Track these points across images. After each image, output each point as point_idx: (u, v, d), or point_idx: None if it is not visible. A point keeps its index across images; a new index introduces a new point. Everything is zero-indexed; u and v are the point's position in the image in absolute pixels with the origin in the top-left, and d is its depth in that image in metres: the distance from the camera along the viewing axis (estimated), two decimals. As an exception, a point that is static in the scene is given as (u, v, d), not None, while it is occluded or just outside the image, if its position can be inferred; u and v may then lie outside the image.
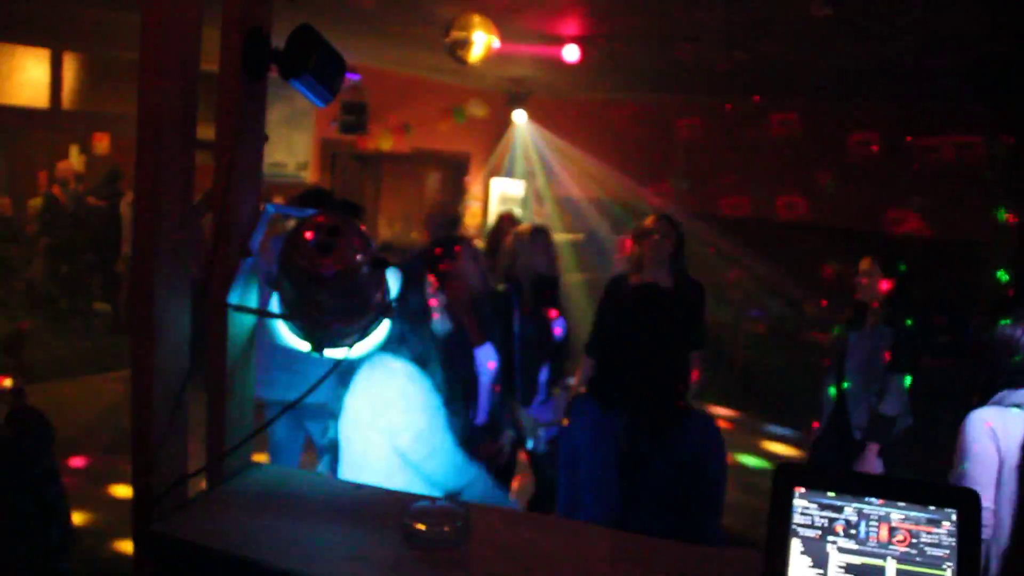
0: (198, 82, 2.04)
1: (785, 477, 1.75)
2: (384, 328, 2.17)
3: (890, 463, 4.49)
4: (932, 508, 1.68)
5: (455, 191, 12.11)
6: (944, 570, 1.65)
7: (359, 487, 2.33)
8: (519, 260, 4.80)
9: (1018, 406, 2.89)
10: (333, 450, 2.81)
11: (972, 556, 1.65)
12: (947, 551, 1.66)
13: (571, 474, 2.79)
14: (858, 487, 1.73)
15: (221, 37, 2.10)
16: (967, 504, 1.68)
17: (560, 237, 11.22)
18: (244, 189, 2.16)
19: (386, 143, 10.24)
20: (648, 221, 5.14)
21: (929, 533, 1.67)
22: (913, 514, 1.69)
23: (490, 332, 3.92)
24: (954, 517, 1.67)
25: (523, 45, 7.84)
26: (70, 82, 8.71)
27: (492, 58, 8.25)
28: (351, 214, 2.09)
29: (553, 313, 4.78)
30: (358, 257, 1.99)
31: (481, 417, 3.86)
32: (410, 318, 2.71)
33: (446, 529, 1.89)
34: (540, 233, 5.00)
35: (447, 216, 6.34)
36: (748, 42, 6.80)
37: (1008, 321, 3.02)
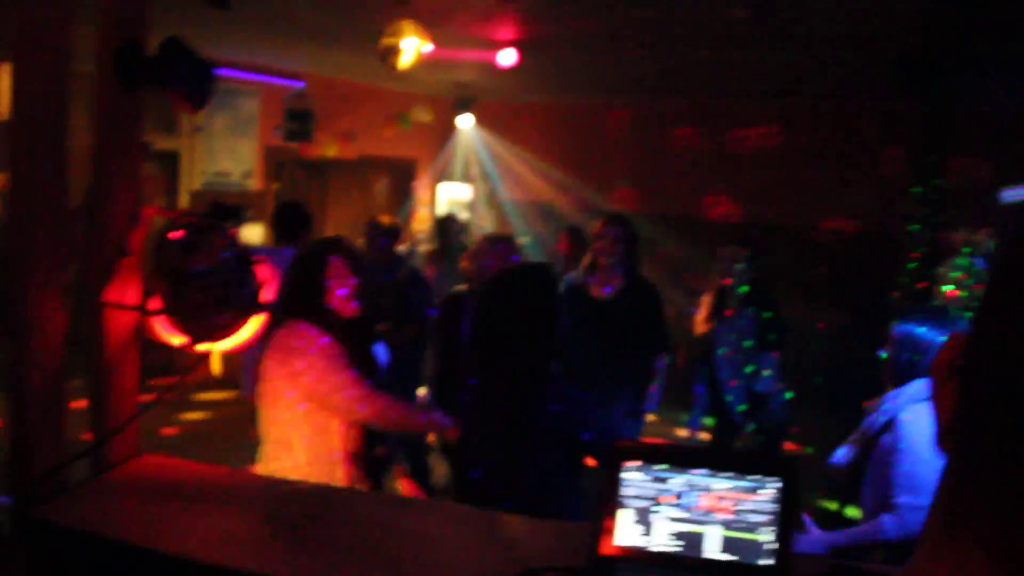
0: (70, 86, 2.11)
1: (619, 452, 1.85)
2: (258, 321, 2.25)
3: (775, 437, 4.63)
4: (756, 477, 1.79)
5: (403, 196, 12.16)
6: (765, 534, 1.76)
7: (233, 473, 2.41)
8: (477, 264, 4.88)
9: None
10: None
11: (789, 520, 1.76)
12: (768, 516, 1.77)
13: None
14: (687, 460, 1.83)
15: (97, 48, 2.18)
16: (789, 473, 1.79)
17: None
18: (119, 193, 2.24)
19: (331, 150, 10.27)
20: (599, 224, 5.22)
21: (752, 500, 1.78)
22: (737, 483, 1.79)
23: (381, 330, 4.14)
24: (778, 485, 1.78)
25: (459, 50, 7.93)
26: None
27: (436, 63, 8.36)
28: (223, 216, 2.17)
29: None
30: (223, 255, 2.07)
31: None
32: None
33: (305, 509, 1.98)
34: (500, 240, 5.07)
35: (385, 227, 6.40)
36: (675, 45, 6.95)
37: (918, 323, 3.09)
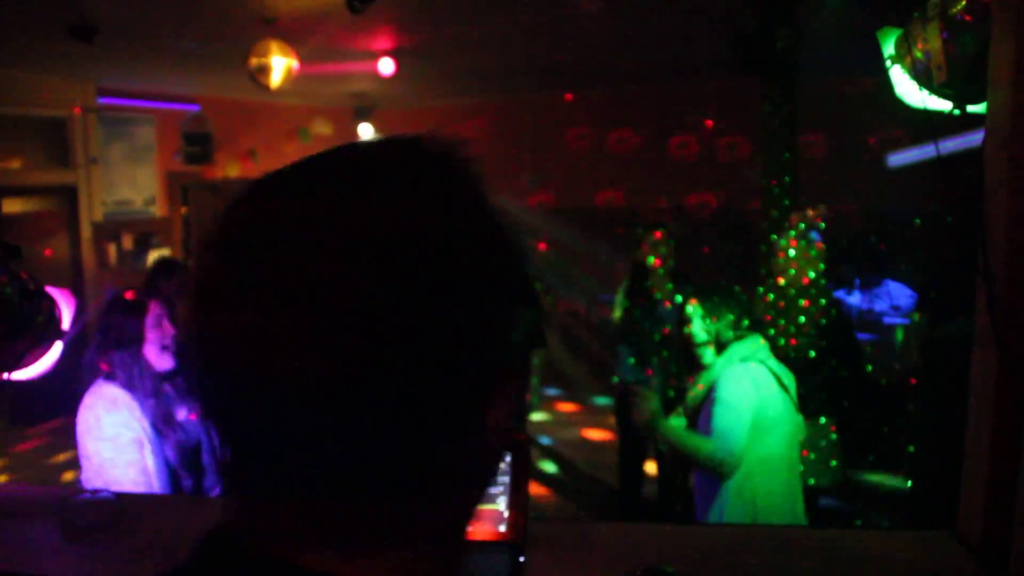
0: None
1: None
2: (56, 351, 2.41)
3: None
4: (488, 450, 1.99)
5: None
6: (498, 503, 1.96)
7: (48, 489, 2.57)
8: None
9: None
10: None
11: (522, 490, 1.96)
12: (501, 487, 1.97)
13: None
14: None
15: None
16: (518, 447, 1.99)
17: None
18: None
19: (234, 170, 10.38)
20: None
21: (486, 471, 1.98)
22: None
23: None
24: (508, 458, 1.98)
25: (338, 64, 8.08)
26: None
27: (328, 76, 8.53)
28: (6, 254, 2.32)
29: None
30: (6, 290, 2.22)
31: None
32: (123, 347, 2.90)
33: (96, 518, 2.15)
34: None
35: None
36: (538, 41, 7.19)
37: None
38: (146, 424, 2.87)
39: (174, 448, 2.94)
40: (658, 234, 5.29)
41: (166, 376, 2.96)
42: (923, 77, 2.01)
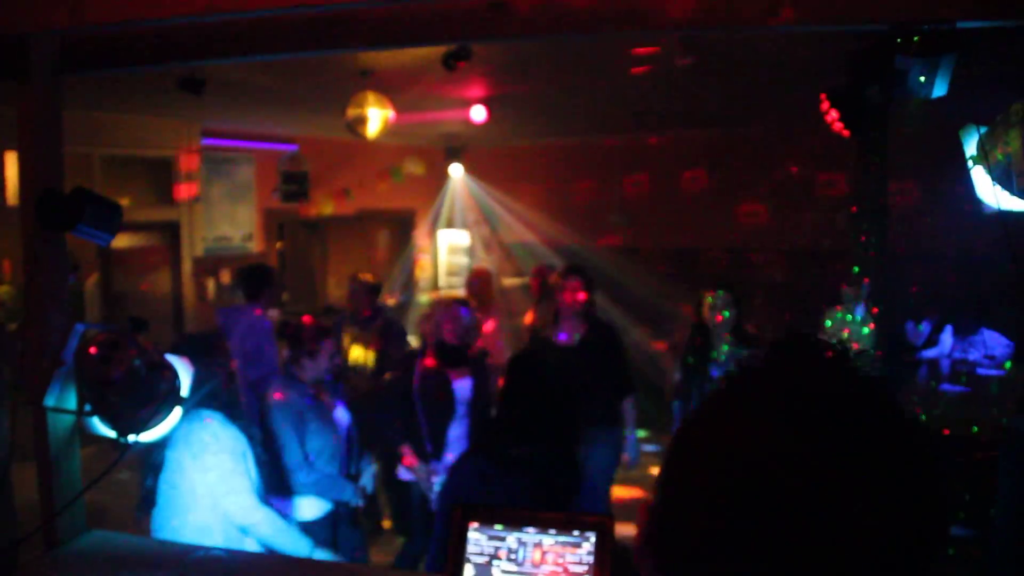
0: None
1: (461, 513, 2.16)
2: (177, 415, 2.60)
3: None
4: (576, 533, 2.09)
5: (403, 246, 12.55)
6: (583, 582, 2.06)
7: (163, 544, 2.76)
8: (432, 326, 5.17)
9: None
10: (149, 498, 3.30)
11: (605, 569, 2.06)
12: (587, 567, 2.07)
13: (445, 526, 2.91)
14: (518, 519, 2.14)
15: (20, 195, 2.54)
16: (602, 529, 2.10)
17: (509, 282, 11.67)
18: (51, 311, 2.60)
19: (328, 208, 10.69)
20: (556, 275, 5.51)
21: (573, 553, 2.08)
22: (561, 539, 2.10)
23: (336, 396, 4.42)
24: (593, 539, 2.08)
25: (431, 112, 8.31)
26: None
27: (420, 120, 8.78)
28: (134, 328, 2.52)
29: (455, 375, 5.00)
30: (135, 362, 2.42)
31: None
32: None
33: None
34: (453, 303, 5.33)
35: (366, 285, 6.77)
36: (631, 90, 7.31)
37: None
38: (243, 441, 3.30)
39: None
40: (711, 293, 5.36)
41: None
42: (1004, 179, 2.07)
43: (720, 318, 5.14)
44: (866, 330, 4.64)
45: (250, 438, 3.43)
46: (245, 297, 6.38)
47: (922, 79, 2.08)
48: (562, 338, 5.36)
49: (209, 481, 3.21)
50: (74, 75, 2.64)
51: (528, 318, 7.62)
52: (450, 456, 4.83)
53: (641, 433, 5.92)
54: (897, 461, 0.77)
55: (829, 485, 0.74)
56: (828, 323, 4.58)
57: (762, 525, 0.74)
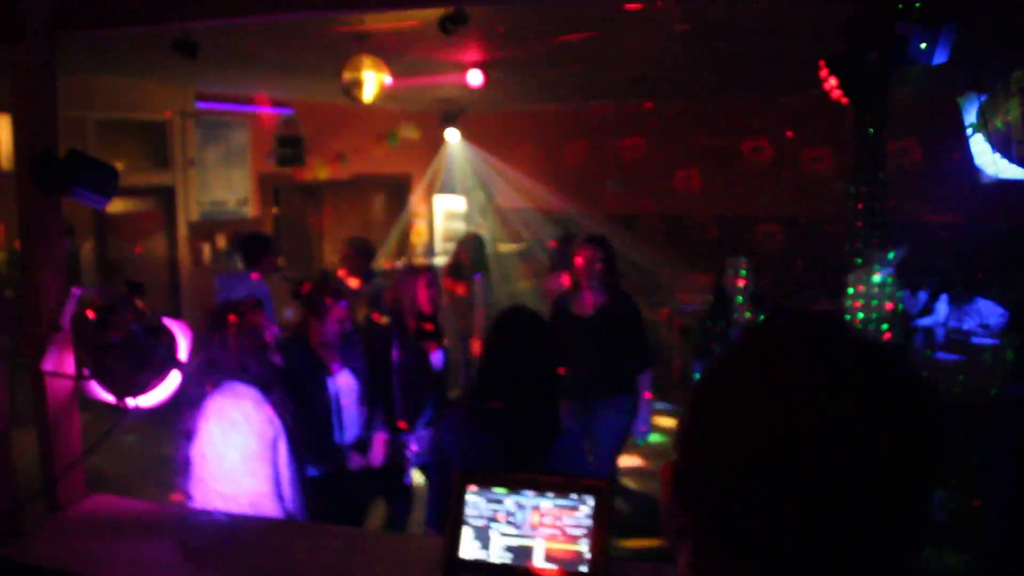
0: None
1: (460, 478, 2.18)
2: (175, 379, 2.60)
3: None
4: (574, 496, 2.11)
5: (399, 211, 12.52)
6: (581, 545, 2.08)
7: (163, 507, 2.78)
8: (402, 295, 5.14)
9: None
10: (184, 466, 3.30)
11: (602, 532, 2.08)
12: (585, 530, 2.09)
13: (440, 481, 2.91)
14: (517, 482, 2.15)
15: (15, 158, 2.53)
16: (601, 492, 2.11)
17: (504, 247, 11.67)
18: (48, 277, 2.60)
19: (323, 172, 10.65)
20: (578, 243, 5.50)
21: (571, 516, 2.10)
22: (559, 502, 2.11)
23: (347, 361, 4.34)
24: (591, 503, 2.10)
25: (427, 76, 8.25)
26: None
27: (416, 84, 8.73)
28: (132, 292, 2.52)
29: (430, 346, 5.00)
30: (133, 327, 2.42)
31: (349, 434, 4.28)
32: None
33: (207, 535, 2.34)
34: (419, 270, 5.29)
35: (360, 250, 6.75)
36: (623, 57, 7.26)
37: None
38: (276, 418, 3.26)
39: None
40: (732, 260, 5.35)
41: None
42: (1003, 147, 2.07)
43: (742, 282, 5.15)
44: (900, 292, 4.65)
45: (281, 416, 3.38)
46: (243, 263, 6.39)
47: (923, 46, 2.07)
48: (588, 308, 5.36)
49: (234, 458, 3.19)
50: (69, 33, 2.61)
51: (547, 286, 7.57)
52: (421, 429, 4.85)
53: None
54: (912, 411, 0.80)
55: (853, 435, 0.77)
56: (850, 290, 4.60)
57: (792, 477, 0.77)
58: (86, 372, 2.56)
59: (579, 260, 5.33)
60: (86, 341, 2.43)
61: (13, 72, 2.49)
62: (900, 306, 4.59)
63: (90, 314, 2.40)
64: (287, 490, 3.21)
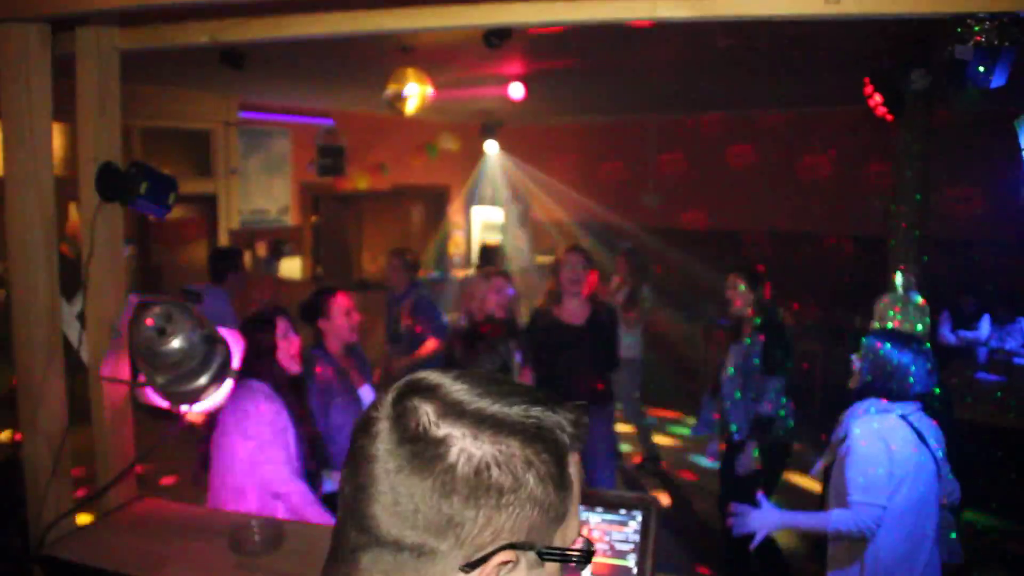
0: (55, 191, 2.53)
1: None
2: (227, 387, 2.65)
3: (773, 460, 4.87)
4: (622, 512, 2.12)
5: (437, 222, 12.58)
6: (628, 560, 2.09)
7: (212, 512, 2.82)
8: (475, 299, 5.20)
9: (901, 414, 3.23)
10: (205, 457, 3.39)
11: (649, 548, 2.09)
12: (632, 545, 2.10)
13: None
14: (567, 498, 2.17)
15: (79, 168, 2.59)
16: (647, 508, 2.12)
17: (542, 259, 11.68)
18: (106, 283, 2.66)
19: (363, 182, 10.74)
20: (561, 253, 5.55)
21: (619, 532, 2.11)
22: (608, 517, 2.13)
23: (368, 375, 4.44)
24: (639, 518, 2.11)
25: (469, 88, 8.31)
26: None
27: (457, 96, 8.79)
28: (189, 300, 2.57)
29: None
30: (192, 335, 2.46)
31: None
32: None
33: (257, 540, 2.38)
34: (494, 276, 5.33)
35: (405, 261, 6.81)
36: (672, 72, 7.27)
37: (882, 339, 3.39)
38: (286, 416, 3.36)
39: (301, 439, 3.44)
40: (761, 268, 5.33)
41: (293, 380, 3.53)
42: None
43: (739, 302, 5.12)
44: (927, 319, 4.60)
45: (292, 414, 3.46)
46: (211, 278, 6.36)
47: (981, 69, 2.07)
48: (570, 316, 5.36)
49: (249, 447, 3.27)
50: (134, 47, 2.68)
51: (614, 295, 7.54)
52: None
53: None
54: None
55: None
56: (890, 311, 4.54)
57: None
58: (141, 378, 2.61)
59: (564, 267, 5.34)
60: (143, 348, 2.48)
61: (80, 84, 2.55)
62: (919, 327, 4.53)
63: (149, 321, 2.45)
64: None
